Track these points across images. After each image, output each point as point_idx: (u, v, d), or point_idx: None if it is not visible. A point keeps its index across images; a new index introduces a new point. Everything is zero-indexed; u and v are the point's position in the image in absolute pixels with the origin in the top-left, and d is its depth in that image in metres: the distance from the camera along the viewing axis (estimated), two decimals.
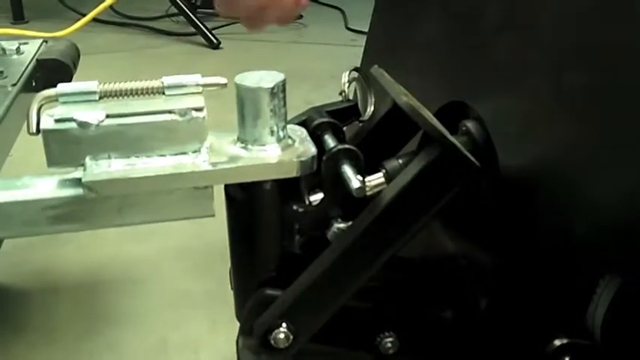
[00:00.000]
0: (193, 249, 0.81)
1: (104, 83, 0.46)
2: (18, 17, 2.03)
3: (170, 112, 0.45)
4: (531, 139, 0.46)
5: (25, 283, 0.75)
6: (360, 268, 0.47)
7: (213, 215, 0.47)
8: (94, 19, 1.82)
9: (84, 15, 1.79)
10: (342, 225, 0.47)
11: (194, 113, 0.45)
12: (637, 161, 0.36)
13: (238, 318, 0.51)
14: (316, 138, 0.50)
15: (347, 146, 0.47)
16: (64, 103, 0.45)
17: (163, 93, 0.46)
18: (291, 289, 0.47)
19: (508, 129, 0.48)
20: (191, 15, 1.86)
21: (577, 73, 0.41)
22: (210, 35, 1.82)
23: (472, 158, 0.44)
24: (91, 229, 0.46)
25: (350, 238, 0.46)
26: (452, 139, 0.45)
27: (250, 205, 0.48)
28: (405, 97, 0.50)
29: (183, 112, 0.45)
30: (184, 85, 0.46)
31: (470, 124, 0.51)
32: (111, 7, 1.88)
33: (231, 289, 0.53)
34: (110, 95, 0.46)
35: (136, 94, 0.46)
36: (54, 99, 0.45)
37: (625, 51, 0.38)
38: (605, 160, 0.38)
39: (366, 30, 0.82)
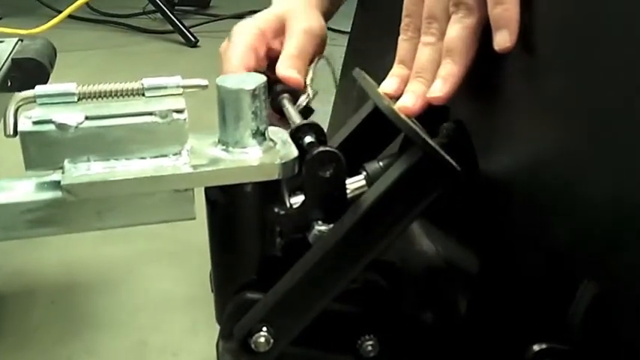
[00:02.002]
0: (172, 251, 0.80)
1: (83, 85, 0.46)
2: None
3: (150, 113, 0.44)
4: (511, 142, 0.46)
5: (1, 286, 0.74)
6: (340, 271, 0.47)
7: (194, 218, 0.47)
8: (70, 16, 1.80)
9: (59, 12, 1.77)
10: (323, 227, 0.47)
11: (175, 115, 0.44)
12: (618, 166, 0.36)
13: (219, 321, 0.51)
14: (297, 140, 0.49)
15: (328, 148, 0.47)
16: (42, 104, 0.45)
17: (143, 94, 0.46)
18: (271, 293, 0.47)
19: (488, 132, 0.48)
20: (169, 12, 1.84)
21: (559, 77, 0.42)
22: (187, 33, 1.80)
23: (453, 162, 0.44)
24: (71, 233, 0.45)
25: (331, 241, 0.46)
26: (432, 142, 0.45)
27: (231, 207, 0.48)
28: (386, 101, 0.50)
29: (163, 114, 0.44)
30: (165, 86, 0.46)
31: (450, 127, 0.51)
32: (87, 3, 1.86)
33: (212, 292, 0.53)
34: (89, 97, 0.45)
35: (116, 95, 0.46)
36: (32, 100, 0.45)
37: (608, 55, 0.38)
38: (586, 165, 0.38)
39: (347, 29, 0.82)
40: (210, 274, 0.53)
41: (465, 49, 0.47)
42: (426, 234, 0.54)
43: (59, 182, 0.43)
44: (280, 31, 0.67)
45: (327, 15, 0.75)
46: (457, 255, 0.52)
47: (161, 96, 0.46)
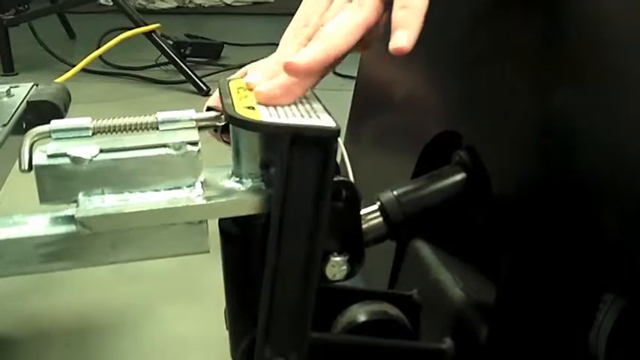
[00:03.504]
0: (186, 291, 0.80)
1: (97, 119, 0.46)
2: (8, 69, 2.04)
3: (164, 146, 0.44)
4: (526, 164, 0.46)
5: (16, 330, 0.74)
6: (294, 282, 0.45)
7: (207, 251, 0.46)
8: (84, 70, 1.83)
9: (73, 66, 1.80)
10: (338, 258, 0.47)
11: (188, 147, 0.44)
12: (637, 178, 0.36)
13: (233, 358, 0.50)
14: None
15: (342, 178, 0.46)
16: (57, 139, 0.45)
17: (157, 128, 0.46)
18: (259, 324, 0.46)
19: (502, 153, 0.48)
20: (181, 63, 1.87)
21: (567, 94, 0.42)
22: (199, 82, 1.83)
23: (321, 123, 0.42)
24: (85, 267, 0.44)
25: (271, 262, 0.45)
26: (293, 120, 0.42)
27: (245, 241, 0.48)
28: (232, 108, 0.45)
29: (177, 146, 0.44)
30: (178, 120, 0.46)
31: (463, 154, 0.51)
32: (100, 57, 1.89)
33: (227, 329, 0.52)
34: (104, 131, 0.46)
35: (130, 129, 0.46)
36: (47, 135, 0.45)
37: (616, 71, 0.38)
38: (606, 179, 0.38)
39: (354, 75, 0.83)
40: (225, 311, 0.52)
41: (335, 39, 0.45)
42: (442, 263, 0.54)
43: (73, 216, 0.43)
44: None
45: None
46: (475, 282, 0.51)
47: (175, 129, 0.46)
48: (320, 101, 0.46)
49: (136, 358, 0.69)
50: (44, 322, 0.75)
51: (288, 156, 0.42)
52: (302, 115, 0.43)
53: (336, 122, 0.42)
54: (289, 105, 0.45)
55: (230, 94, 0.46)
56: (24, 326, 0.74)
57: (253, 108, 0.44)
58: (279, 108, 0.44)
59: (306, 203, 0.44)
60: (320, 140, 0.42)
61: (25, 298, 0.78)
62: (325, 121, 0.43)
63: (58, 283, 0.78)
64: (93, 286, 0.79)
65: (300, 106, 0.45)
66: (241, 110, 0.43)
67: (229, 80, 0.49)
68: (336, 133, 0.42)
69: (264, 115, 0.43)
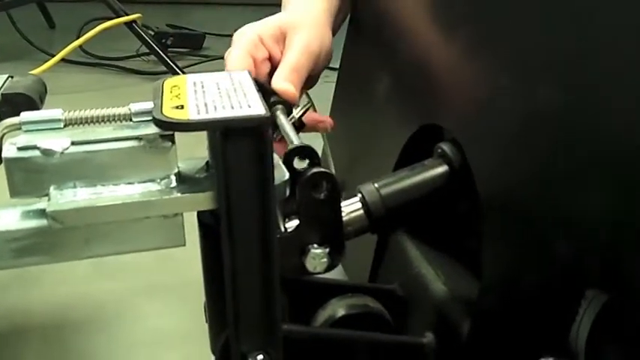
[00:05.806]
0: (165, 286, 0.79)
1: (69, 111, 0.45)
2: None
3: (138, 138, 0.43)
4: (509, 158, 0.45)
5: None
6: (254, 277, 0.45)
7: (183, 245, 0.45)
8: (64, 60, 1.80)
9: (53, 55, 1.78)
10: (318, 251, 0.46)
11: (162, 139, 0.43)
12: (619, 174, 0.35)
13: (213, 351, 0.49)
14: (290, 163, 0.49)
15: (322, 169, 0.46)
16: (28, 131, 0.44)
17: (131, 120, 0.45)
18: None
19: (485, 146, 0.47)
20: (162, 54, 1.85)
21: (551, 90, 0.41)
22: (181, 73, 1.81)
23: (248, 113, 0.41)
24: (58, 262, 0.43)
25: (227, 261, 0.44)
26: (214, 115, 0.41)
27: None
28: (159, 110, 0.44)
29: (151, 139, 0.43)
30: (152, 111, 0.45)
31: (445, 146, 0.50)
32: (80, 47, 1.87)
33: (206, 322, 0.51)
34: (76, 123, 0.44)
35: (103, 121, 0.45)
36: (17, 127, 0.44)
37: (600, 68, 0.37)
38: (587, 175, 0.37)
39: (337, 67, 0.82)
40: (205, 305, 0.51)
41: None
42: (423, 257, 0.53)
43: (45, 210, 0.41)
44: (280, 39, 0.67)
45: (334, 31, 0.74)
46: (457, 276, 0.50)
47: (149, 120, 0.45)
48: (254, 88, 0.46)
49: (115, 353, 0.68)
50: (21, 316, 0.74)
51: (222, 150, 0.41)
52: (232, 107, 0.42)
53: (266, 109, 0.42)
54: (220, 97, 0.44)
55: (162, 94, 0.45)
56: (0, 321, 0.73)
57: (182, 107, 0.43)
58: (209, 102, 0.43)
59: (251, 194, 0.43)
60: (250, 129, 0.42)
61: (1, 292, 0.76)
62: (255, 109, 0.42)
63: (35, 278, 0.77)
64: (71, 281, 0.78)
65: (232, 95, 0.44)
66: (169, 111, 0.42)
67: (164, 80, 0.48)
68: (265, 119, 0.41)
69: (193, 113, 0.42)
